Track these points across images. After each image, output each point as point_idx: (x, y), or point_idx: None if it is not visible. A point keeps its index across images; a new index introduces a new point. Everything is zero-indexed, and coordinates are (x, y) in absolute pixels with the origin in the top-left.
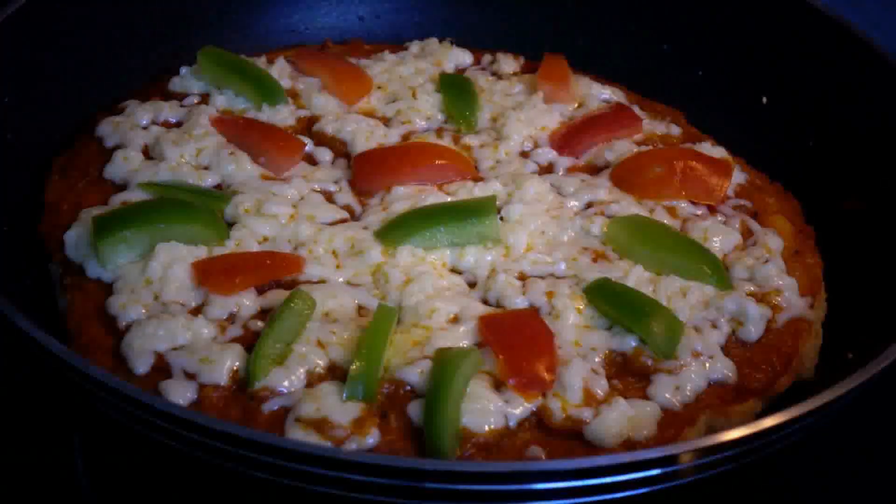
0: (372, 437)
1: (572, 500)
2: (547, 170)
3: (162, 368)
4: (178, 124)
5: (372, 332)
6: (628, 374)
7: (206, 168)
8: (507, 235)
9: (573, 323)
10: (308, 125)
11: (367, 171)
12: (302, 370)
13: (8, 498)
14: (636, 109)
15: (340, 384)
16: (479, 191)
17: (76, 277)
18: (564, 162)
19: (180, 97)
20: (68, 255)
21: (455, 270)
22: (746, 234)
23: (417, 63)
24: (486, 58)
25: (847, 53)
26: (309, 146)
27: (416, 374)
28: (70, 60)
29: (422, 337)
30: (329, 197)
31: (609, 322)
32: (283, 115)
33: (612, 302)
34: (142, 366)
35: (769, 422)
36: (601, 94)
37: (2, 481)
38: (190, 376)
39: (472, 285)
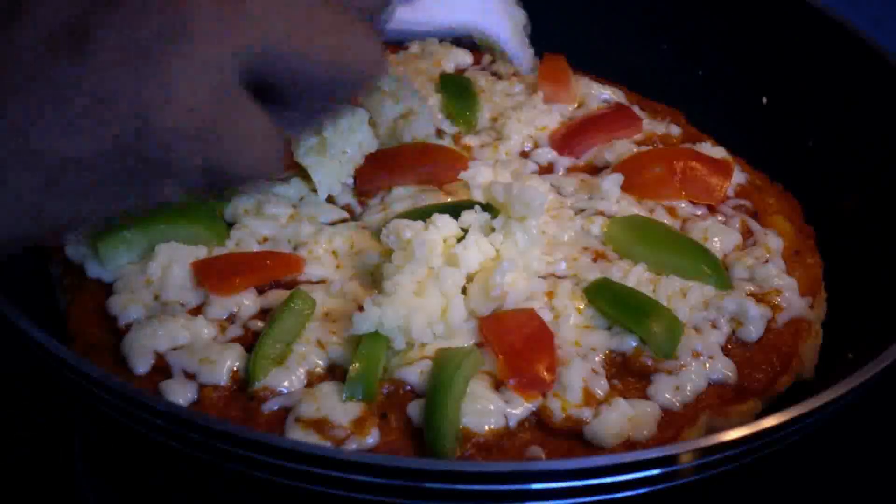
0: (372, 437)
1: (572, 500)
2: (547, 170)
3: (162, 368)
4: None
5: (372, 332)
6: (628, 374)
7: None
8: None
9: (573, 323)
10: None
11: (367, 171)
12: (302, 370)
13: (8, 498)
14: (636, 109)
15: (340, 384)
16: None
17: (76, 277)
18: (564, 162)
19: None
20: (68, 255)
21: None
22: (746, 234)
23: (417, 63)
24: (486, 58)
25: (847, 53)
26: None
27: (416, 374)
28: None
29: None
30: (329, 197)
31: (609, 322)
32: None
33: (612, 302)
34: (142, 366)
35: (769, 422)
36: (601, 94)
37: (2, 481)
38: (190, 376)
39: None
